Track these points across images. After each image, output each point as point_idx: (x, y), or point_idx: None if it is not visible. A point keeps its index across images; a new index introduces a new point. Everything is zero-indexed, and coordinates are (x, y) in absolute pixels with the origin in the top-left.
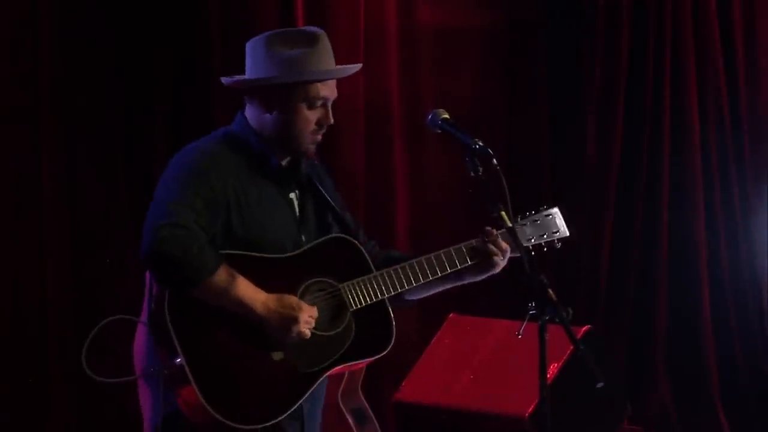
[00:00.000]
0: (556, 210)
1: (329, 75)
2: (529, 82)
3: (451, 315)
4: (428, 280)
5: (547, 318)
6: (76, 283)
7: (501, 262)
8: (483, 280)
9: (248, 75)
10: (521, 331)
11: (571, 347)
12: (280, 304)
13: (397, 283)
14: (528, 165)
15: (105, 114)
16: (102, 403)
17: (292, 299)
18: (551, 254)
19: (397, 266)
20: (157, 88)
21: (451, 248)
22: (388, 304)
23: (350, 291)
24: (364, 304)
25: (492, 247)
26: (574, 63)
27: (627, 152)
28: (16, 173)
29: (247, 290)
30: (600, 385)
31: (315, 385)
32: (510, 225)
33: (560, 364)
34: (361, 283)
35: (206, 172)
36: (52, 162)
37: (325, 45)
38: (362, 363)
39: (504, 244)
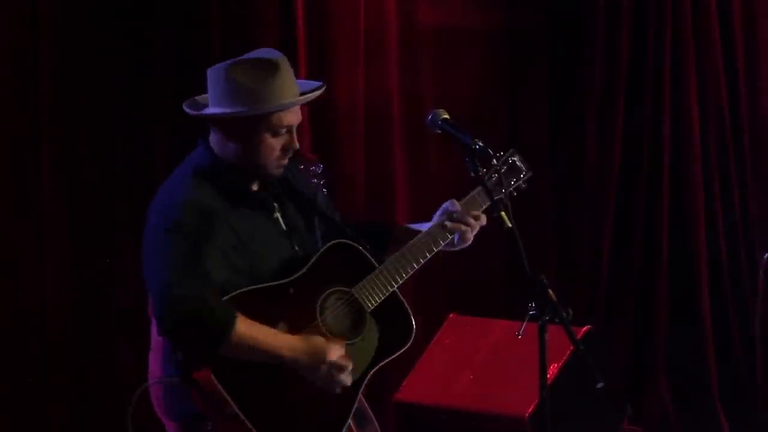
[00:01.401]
0: (512, 152)
1: (291, 104)
2: (529, 82)
3: (451, 315)
4: (427, 257)
5: (547, 318)
6: (76, 283)
7: (470, 237)
8: (483, 279)
9: (210, 105)
10: (521, 331)
11: (571, 347)
12: (306, 344)
13: (402, 272)
14: (528, 164)
15: (105, 114)
16: (102, 404)
17: (318, 339)
18: (552, 253)
19: (396, 255)
20: (158, 87)
21: (432, 226)
22: (399, 295)
23: (363, 293)
24: (378, 302)
25: (461, 223)
26: (574, 63)
27: (627, 153)
28: (16, 173)
29: (270, 339)
30: (600, 385)
31: (360, 392)
32: (510, 225)
33: (560, 364)
34: (371, 282)
35: (189, 226)
36: (52, 162)
37: (286, 72)
38: (393, 358)
39: (472, 220)
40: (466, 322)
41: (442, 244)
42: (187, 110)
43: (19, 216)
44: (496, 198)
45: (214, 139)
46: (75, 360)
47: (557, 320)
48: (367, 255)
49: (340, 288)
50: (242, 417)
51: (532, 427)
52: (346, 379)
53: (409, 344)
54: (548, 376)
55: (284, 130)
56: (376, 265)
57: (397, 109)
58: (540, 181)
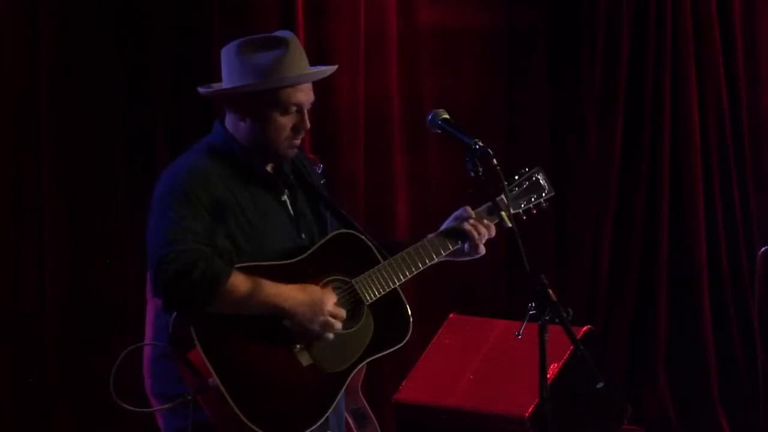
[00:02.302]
0: (538, 169)
1: (300, 80)
2: (529, 82)
3: (451, 315)
4: (434, 261)
5: (547, 318)
6: (76, 283)
7: (480, 244)
8: (483, 279)
9: (224, 83)
10: (521, 331)
11: (571, 347)
12: (305, 292)
13: (405, 270)
14: (528, 165)
15: (105, 114)
16: (101, 403)
17: (316, 288)
18: (551, 253)
19: (402, 253)
20: (158, 87)
21: (444, 230)
22: (401, 292)
23: (363, 285)
24: (378, 296)
25: (471, 229)
26: (574, 63)
27: (627, 153)
28: (16, 173)
29: (269, 287)
30: (600, 385)
31: (347, 383)
32: (510, 225)
33: (560, 364)
34: (372, 276)
35: (198, 191)
36: (52, 162)
37: (296, 49)
38: (385, 354)
39: (483, 229)
40: (466, 322)
41: (452, 248)
42: (200, 90)
43: (19, 216)
44: (513, 212)
45: (228, 119)
46: (75, 360)
47: (557, 320)
48: (373, 248)
49: (340, 277)
50: (222, 389)
51: (532, 427)
52: (339, 326)
53: (403, 343)
54: (548, 376)
55: (294, 109)
56: (381, 259)
57: (397, 109)
58: None
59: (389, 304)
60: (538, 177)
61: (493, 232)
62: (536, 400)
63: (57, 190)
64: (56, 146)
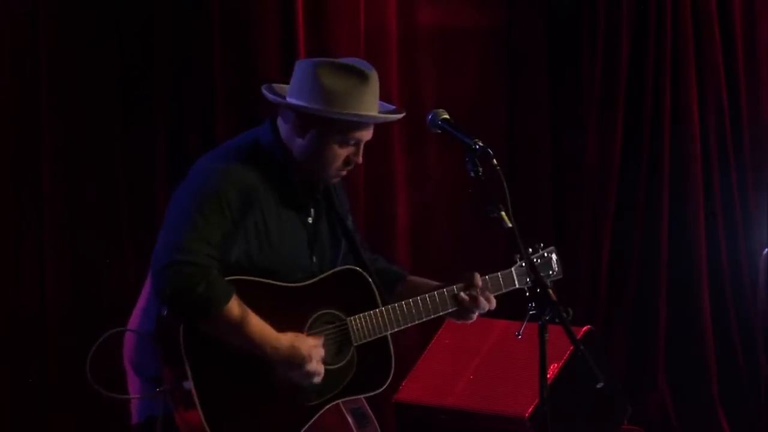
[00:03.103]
0: (552, 249)
1: (370, 120)
2: (529, 82)
3: None
4: (429, 317)
5: (547, 318)
6: (76, 283)
7: (474, 317)
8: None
9: (290, 95)
10: (521, 331)
11: (571, 347)
12: (289, 349)
13: (401, 321)
14: (528, 165)
15: (105, 114)
16: (101, 404)
17: (303, 346)
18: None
19: (402, 303)
20: (158, 87)
21: (453, 287)
22: (389, 340)
23: (356, 325)
24: (367, 340)
25: (472, 302)
26: (574, 63)
27: (627, 153)
28: (16, 173)
29: (258, 328)
30: (600, 385)
31: (315, 418)
32: (510, 225)
33: (560, 364)
34: (367, 318)
35: (230, 197)
36: (52, 162)
37: (373, 85)
38: (359, 397)
39: (484, 302)
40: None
41: (451, 310)
42: (267, 94)
43: (19, 216)
44: (519, 286)
45: (283, 126)
46: (75, 360)
47: (557, 320)
48: (375, 291)
49: (337, 313)
50: (194, 395)
51: (532, 427)
52: (317, 381)
53: (378, 391)
54: (548, 376)
55: (353, 142)
56: (380, 304)
57: None
58: (540, 181)
59: (376, 349)
60: (552, 256)
61: (494, 306)
62: (536, 400)
63: (57, 190)
64: (56, 146)
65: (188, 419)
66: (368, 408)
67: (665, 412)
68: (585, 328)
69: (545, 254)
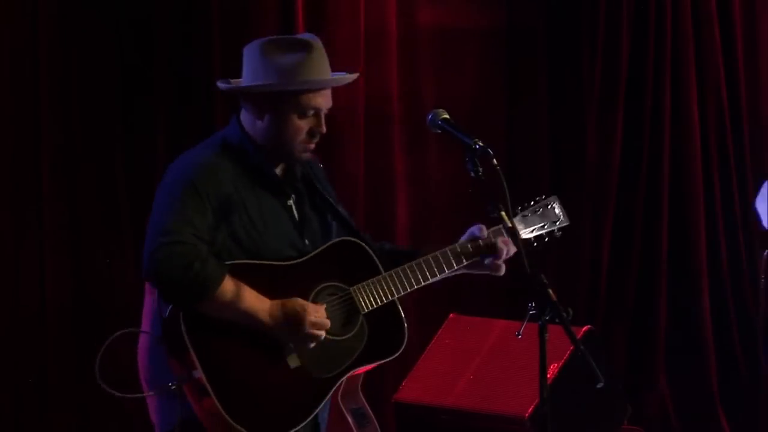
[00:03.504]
0: (554, 198)
1: (321, 84)
2: (529, 82)
3: (451, 315)
4: (436, 278)
5: (547, 318)
6: (76, 283)
7: (499, 262)
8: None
9: (243, 80)
10: (521, 331)
11: (571, 347)
12: (284, 310)
13: (406, 283)
14: (528, 165)
15: (105, 114)
16: (101, 404)
17: (296, 302)
18: (551, 253)
19: (405, 266)
20: (158, 87)
21: (456, 245)
22: (398, 304)
23: (361, 294)
24: (375, 306)
25: (486, 246)
26: (574, 63)
27: (627, 153)
28: (16, 173)
29: (252, 300)
30: (600, 385)
31: (332, 391)
32: (510, 225)
33: (560, 364)
34: (371, 285)
35: (207, 187)
36: (52, 162)
37: (320, 53)
38: (376, 365)
39: (500, 244)
40: (466, 322)
41: (466, 262)
42: (220, 85)
43: (19, 216)
44: (525, 237)
45: (245, 117)
46: (75, 360)
47: (557, 320)
48: (374, 258)
49: (339, 284)
50: (205, 382)
51: (532, 427)
52: (322, 336)
53: (396, 355)
54: (548, 376)
55: (312, 112)
56: (381, 270)
57: (397, 109)
58: (540, 181)
59: (386, 315)
60: (554, 205)
61: (513, 251)
62: (536, 400)
63: (57, 190)
64: (56, 146)
65: (206, 408)
66: (368, 408)
67: (665, 412)
68: (585, 328)
69: (548, 205)
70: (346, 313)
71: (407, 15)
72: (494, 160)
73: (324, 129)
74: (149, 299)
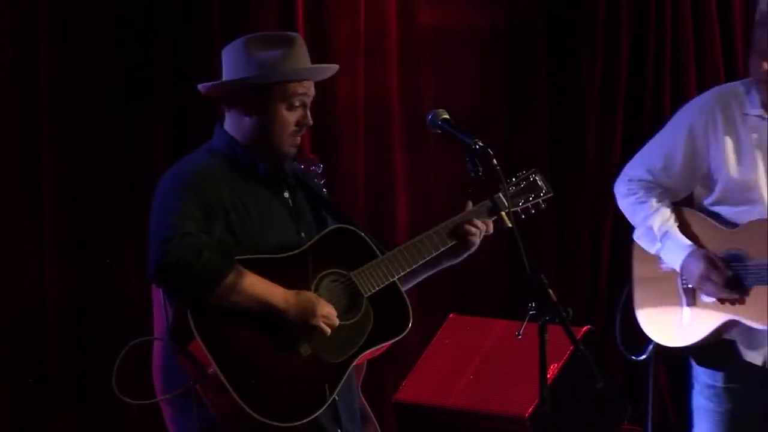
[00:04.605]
0: (535, 170)
1: (307, 74)
2: (529, 82)
3: (451, 315)
4: (432, 255)
5: (547, 318)
6: (76, 283)
7: (476, 241)
8: (483, 279)
9: (225, 77)
10: (521, 331)
11: (571, 347)
12: (298, 297)
13: (404, 264)
14: (528, 165)
15: (105, 114)
16: (101, 404)
17: (309, 293)
18: (551, 253)
19: (401, 247)
20: (158, 87)
21: (440, 226)
22: (399, 285)
23: (361, 278)
24: (376, 289)
25: (469, 227)
26: (574, 63)
27: (627, 153)
28: (16, 173)
29: (266, 285)
30: (600, 385)
31: (346, 374)
32: (510, 225)
33: (560, 364)
34: (370, 269)
35: (199, 184)
36: (52, 162)
37: (302, 46)
38: (386, 345)
39: (481, 224)
40: (466, 322)
41: (450, 243)
42: (200, 87)
43: (19, 216)
44: (503, 210)
45: (229, 120)
46: (75, 360)
47: (557, 320)
48: (371, 243)
49: (339, 271)
50: (221, 376)
51: (532, 427)
52: (329, 331)
53: (403, 334)
54: (548, 376)
55: (298, 103)
56: (379, 254)
57: (397, 109)
58: None
59: (388, 296)
60: (536, 178)
61: (491, 229)
62: (536, 400)
63: (57, 190)
64: (56, 146)
65: (224, 405)
66: (368, 408)
67: (665, 412)
68: (585, 328)
69: (530, 177)
70: (349, 298)
71: (407, 15)
72: (494, 160)
73: (310, 121)
74: (158, 306)
